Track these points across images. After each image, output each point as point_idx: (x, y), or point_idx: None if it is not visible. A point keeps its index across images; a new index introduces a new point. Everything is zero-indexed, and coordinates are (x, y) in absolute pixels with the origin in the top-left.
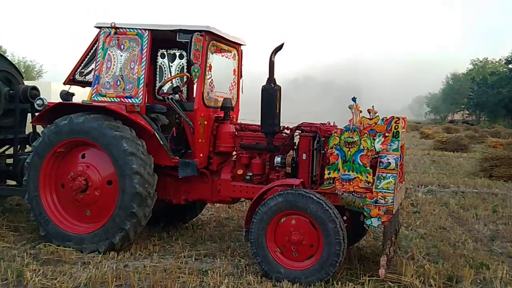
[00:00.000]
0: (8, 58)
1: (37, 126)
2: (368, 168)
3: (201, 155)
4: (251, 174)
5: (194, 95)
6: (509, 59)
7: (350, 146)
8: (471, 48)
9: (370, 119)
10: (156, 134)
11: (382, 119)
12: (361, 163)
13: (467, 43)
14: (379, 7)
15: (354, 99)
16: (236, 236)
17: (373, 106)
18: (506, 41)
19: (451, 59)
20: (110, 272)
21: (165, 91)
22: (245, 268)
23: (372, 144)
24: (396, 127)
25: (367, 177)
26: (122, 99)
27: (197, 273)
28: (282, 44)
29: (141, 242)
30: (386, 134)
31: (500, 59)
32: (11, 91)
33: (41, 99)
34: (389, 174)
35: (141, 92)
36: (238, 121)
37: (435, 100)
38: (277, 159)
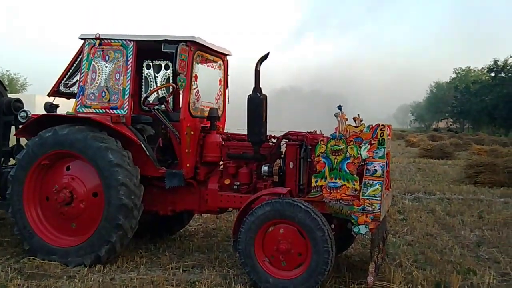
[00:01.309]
0: None
1: (21, 138)
2: (355, 175)
3: (187, 165)
4: (238, 183)
5: (180, 105)
6: (492, 67)
7: (336, 154)
8: (453, 57)
9: (356, 126)
10: (142, 144)
11: (368, 127)
12: (347, 171)
13: (450, 52)
14: (364, 18)
15: (340, 107)
16: (224, 247)
17: (358, 114)
18: (487, 50)
19: (434, 68)
20: (96, 286)
21: (150, 101)
22: (233, 279)
23: (358, 152)
24: (382, 134)
25: (354, 184)
26: (107, 110)
27: (185, 284)
28: (268, 54)
29: (128, 254)
30: (372, 142)
31: (482, 68)
32: None
33: (24, 111)
34: (375, 181)
35: (127, 103)
36: (225, 131)
37: (420, 109)
38: (264, 168)
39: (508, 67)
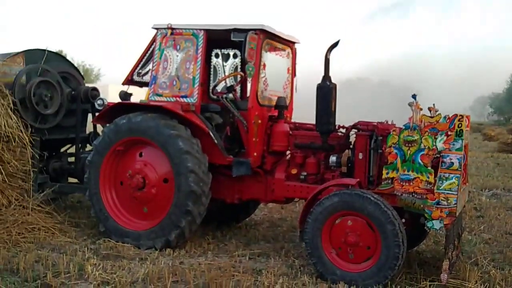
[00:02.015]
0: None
1: (97, 125)
2: (429, 168)
3: (255, 154)
4: (305, 173)
5: (248, 94)
6: None
7: (410, 145)
8: None
9: (431, 117)
10: (210, 133)
11: (445, 117)
12: (421, 163)
13: None
14: (437, 5)
15: (414, 96)
16: (289, 237)
17: (434, 104)
18: None
19: None
20: (167, 268)
21: (219, 90)
22: (299, 269)
23: (434, 143)
24: (460, 125)
25: (428, 177)
26: (177, 99)
27: (251, 272)
28: (338, 41)
29: (196, 240)
30: (449, 133)
31: None
32: (72, 92)
33: (101, 99)
34: (452, 175)
35: (196, 92)
36: (292, 120)
37: (499, 100)
38: (332, 158)
39: None
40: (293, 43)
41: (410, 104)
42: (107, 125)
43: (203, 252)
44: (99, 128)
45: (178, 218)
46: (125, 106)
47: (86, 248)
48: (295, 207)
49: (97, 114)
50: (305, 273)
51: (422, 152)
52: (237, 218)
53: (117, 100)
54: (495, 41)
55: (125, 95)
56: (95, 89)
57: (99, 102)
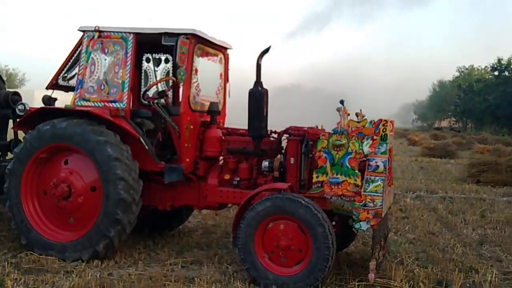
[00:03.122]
0: None
1: (18, 132)
2: (357, 171)
3: (187, 160)
4: (238, 179)
5: (180, 99)
6: (495, 66)
7: (338, 149)
8: (457, 55)
9: (358, 122)
10: (141, 138)
11: (370, 122)
12: (349, 166)
13: (453, 51)
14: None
15: (342, 102)
16: (223, 243)
17: (361, 110)
18: (491, 48)
19: (437, 67)
20: (94, 281)
21: (150, 95)
22: (232, 275)
23: (360, 147)
24: (384, 129)
25: (355, 180)
26: (106, 104)
27: (184, 280)
28: (269, 47)
29: (126, 250)
30: (374, 137)
31: (486, 66)
32: None
33: (22, 104)
34: (377, 177)
35: (126, 97)
36: (225, 126)
37: (422, 108)
38: (265, 163)
39: (511, 66)
40: (226, 48)
41: (338, 110)
42: (29, 131)
43: (134, 262)
44: (21, 134)
45: (106, 228)
46: (48, 112)
47: (6, 262)
48: (230, 213)
49: (18, 120)
50: (238, 279)
51: (349, 156)
52: (169, 225)
53: (42, 106)
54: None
55: (49, 100)
56: (16, 93)
57: (20, 107)
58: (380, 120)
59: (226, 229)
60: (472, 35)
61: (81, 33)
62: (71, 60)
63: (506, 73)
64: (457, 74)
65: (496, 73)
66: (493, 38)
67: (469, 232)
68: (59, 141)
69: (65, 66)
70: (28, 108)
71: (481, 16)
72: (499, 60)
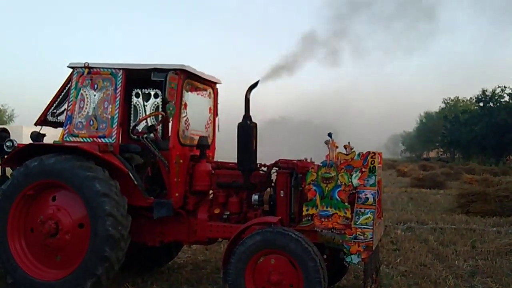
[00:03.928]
0: None
1: (6, 168)
2: (346, 203)
3: (176, 194)
4: (228, 213)
5: (169, 134)
6: (480, 97)
7: (327, 182)
8: (443, 87)
9: (347, 154)
10: (130, 174)
11: (358, 154)
12: (339, 199)
13: (438, 83)
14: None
15: (330, 135)
16: (214, 279)
17: (349, 142)
18: (475, 80)
19: (424, 98)
20: None
21: (139, 130)
22: None
23: (350, 180)
24: (373, 162)
25: (345, 213)
26: (95, 139)
27: None
28: (258, 82)
29: (114, 287)
30: (363, 169)
31: (471, 98)
32: None
33: (10, 140)
34: (367, 210)
35: (115, 132)
36: (215, 159)
37: (410, 139)
38: (255, 196)
39: (496, 97)
40: (215, 83)
41: (326, 142)
42: (17, 168)
43: None
44: (9, 171)
45: (94, 265)
46: (37, 148)
47: None
48: (220, 248)
49: (6, 156)
50: None
51: (339, 189)
52: (159, 261)
53: (30, 142)
54: (405, 83)
55: (37, 136)
56: (4, 130)
57: (7, 143)
58: (368, 153)
59: (216, 264)
60: (456, 67)
61: (71, 70)
62: (60, 96)
63: (491, 104)
64: (443, 105)
65: (481, 104)
66: (477, 70)
67: (461, 264)
68: (47, 177)
69: (54, 102)
70: (16, 145)
71: (464, 49)
72: (484, 92)
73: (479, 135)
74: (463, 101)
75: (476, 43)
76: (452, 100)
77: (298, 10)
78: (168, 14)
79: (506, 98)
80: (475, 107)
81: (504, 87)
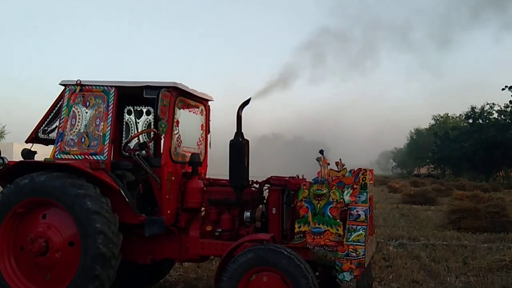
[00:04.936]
0: None
1: None
2: (338, 220)
3: (168, 211)
4: (220, 230)
5: (161, 151)
6: (469, 114)
7: (319, 199)
8: (432, 104)
9: (338, 171)
10: (121, 191)
11: (350, 171)
12: (331, 216)
13: (428, 100)
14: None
15: (321, 152)
16: None
17: (340, 159)
18: (464, 98)
19: (414, 115)
20: None
21: (131, 147)
22: None
23: (341, 196)
24: (364, 178)
25: (337, 229)
26: (86, 156)
27: None
28: (249, 99)
29: None
30: (355, 186)
31: (460, 114)
32: None
33: (1, 158)
34: (359, 227)
35: (107, 149)
36: (207, 176)
37: (401, 155)
38: (247, 214)
39: (485, 114)
40: (207, 100)
41: (318, 159)
42: (7, 185)
43: None
44: None
45: (84, 284)
46: (27, 165)
47: None
48: (212, 265)
49: None
50: None
51: (331, 205)
52: (150, 279)
53: (21, 159)
54: (396, 100)
55: (28, 154)
56: None
57: None
58: (360, 169)
59: (208, 282)
60: (446, 84)
61: (63, 87)
62: (52, 114)
63: (480, 120)
64: (433, 122)
65: (470, 120)
66: (466, 87)
67: (453, 280)
68: (38, 195)
69: (45, 119)
70: (6, 162)
71: (453, 66)
72: (473, 108)
73: (469, 152)
74: (452, 117)
75: (466, 60)
76: (441, 117)
77: (293, 24)
78: (160, 31)
79: (495, 115)
80: (465, 124)
81: (493, 104)
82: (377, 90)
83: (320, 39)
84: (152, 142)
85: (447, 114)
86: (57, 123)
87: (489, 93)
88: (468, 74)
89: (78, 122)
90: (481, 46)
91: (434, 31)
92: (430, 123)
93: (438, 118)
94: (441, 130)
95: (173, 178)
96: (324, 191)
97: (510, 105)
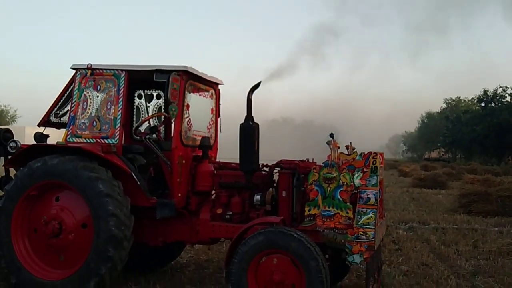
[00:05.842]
0: None
1: (10, 169)
2: (348, 203)
3: (179, 194)
4: (230, 213)
5: (172, 135)
6: (481, 97)
7: (329, 182)
8: (444, 87)
9: (348, 154)
10: (133, 174)
11: (360, 155)
12: (341, 199)
13: (440, 83)
14: (356, 52)
15: (332, 135)
16: (216, 279)
17: (350, 142)
18: (477, 80)
19: (425, 98)
20: None
21: (142, 131)
22: None
23: (351, 180)
24: (374, 162)
25: (347, 213)
26: (98, 140)
27: None
28: (259, 83)
29: (117, 287)
30: (365, 170)
31: (472, 98)
32: None
33: (14, 141)
34: (369, 210)
35: (118, 132)
36: (217, 160)
37: (412, 139)
38: (257, 197)
39: (497, 97)
40: (217, 84)
41: (328, 143)
42: (21, 168)
43: None
44: (12, 171)
45: (97, 265)
46: (40, 149)
47: None
48: (222, 248)
49: (9, 157)
50: None
51: (341, 189)
52: (161, 261)
53: (33, 142)
54: (407, 84)
55: (40, 137)
56: (8, 131)
57: (11, 144)
58: (370, 153)
59: (219, 264)
60: (459, 67)
61: (74, 71)
62: (63, 98)
63: (493, 104)
64: (444, 105)
65: (482, 104)
66: (479, 70)
67: (463, 263)
68: (51, 178)
69: (57, 103)
70: (19, 145)
71: (467, 50)
72: (485, 92)
73: (480, 135)
74: (464, 101)
75: (478, 44)
76: (453, 100)
77: (305, 9)
78: (170, 15)
79: (508, 98)
80: (477, 107)
81: (506, 87)
82: (388, 73)
83: (334, 23)
84: (163, 125)
85: (459, 97)
86: (68, 107)
87: (502, 76)
88: (482, 57)
89: (90, 105)
90: (495, 29)
91: (449, 12)
92: (441, 106)
93: (450, 101)
94: (453, 114)
95: (183, 161)
96: (334, 175)
97: None
